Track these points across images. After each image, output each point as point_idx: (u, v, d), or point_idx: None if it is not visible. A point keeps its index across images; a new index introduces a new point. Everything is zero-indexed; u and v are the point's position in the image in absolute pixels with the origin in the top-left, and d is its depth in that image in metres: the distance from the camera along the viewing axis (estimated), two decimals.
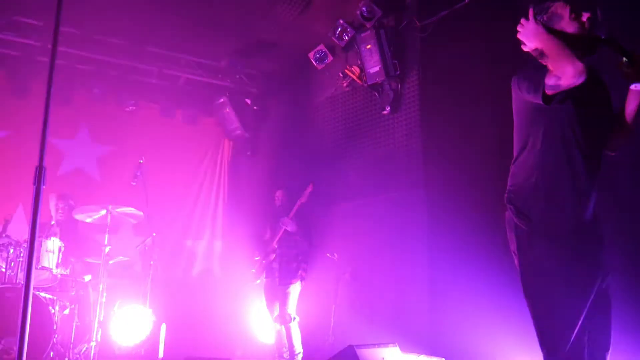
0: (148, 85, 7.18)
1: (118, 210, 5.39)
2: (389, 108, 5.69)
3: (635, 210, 3.75)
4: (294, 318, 5.30)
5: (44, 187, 2.28)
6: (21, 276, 4.84)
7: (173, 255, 7.59)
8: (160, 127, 7.58)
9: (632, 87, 2.39)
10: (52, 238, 5.21)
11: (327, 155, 6.50)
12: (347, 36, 5.93)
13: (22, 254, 4.90)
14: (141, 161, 5.72)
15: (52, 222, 5.84)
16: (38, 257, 4.95)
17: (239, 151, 8.13)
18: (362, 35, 5.64)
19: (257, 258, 5.58)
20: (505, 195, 2.55)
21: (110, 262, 5.43)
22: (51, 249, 5.10)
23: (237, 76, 7.45)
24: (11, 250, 4.90)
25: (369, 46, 5.59)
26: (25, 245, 4.85)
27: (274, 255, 5.45)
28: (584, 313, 2.28)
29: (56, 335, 4.83)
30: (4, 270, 4.88)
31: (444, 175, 5.01)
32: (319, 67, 6.39)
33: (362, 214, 5.92)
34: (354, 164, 6.16)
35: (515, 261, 2.47)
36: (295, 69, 7.08)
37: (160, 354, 5.68)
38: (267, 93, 7.52)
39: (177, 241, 7.70)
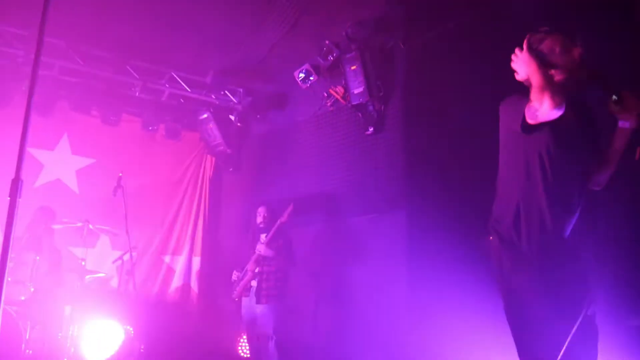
0: (131, 99, 7.12)
1: (96, 226, 5.31)
2: (372, 128, 5.72)
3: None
4: (272, 337, 5.23)
5: (20, 199, 2.23)
6: None
7: (150, 271, 7.49)
8: (142, 140, 7.54)
9: (620, 124, 2.40)
10: (27, 251, 5.10)
11: (310, 174, 6.50)
12: (332, 56, 5.97)
13: None
14: (120, 174, 5.69)
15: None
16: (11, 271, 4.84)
17: (221, 167, 8.10)
18: (348, 56, 5.68)
19: (234, 276, 5.52)
20: (489, 222, 2.56)
21: (87, 277, 5.33)
22: (25, 262, 4.99)
23: (222, 92, 7.45)
24: None
25: (354, 67, 5.63)
26: None
27: (251, 274, 5.39)
28: (569, 340, 2.27)
29: (28, 351, 4.71)
30: None
31: (425, 197, 5.03)
32: (304, 86, 6.41)
33: (343, 233, 5.92)
34: (336, 183, 6.16)
35: (499, 287, 2.48)
36: (280, 87, 7.10)
37: None
38: (251, 110, 7.52)
39: (156, 256, 7.60)
